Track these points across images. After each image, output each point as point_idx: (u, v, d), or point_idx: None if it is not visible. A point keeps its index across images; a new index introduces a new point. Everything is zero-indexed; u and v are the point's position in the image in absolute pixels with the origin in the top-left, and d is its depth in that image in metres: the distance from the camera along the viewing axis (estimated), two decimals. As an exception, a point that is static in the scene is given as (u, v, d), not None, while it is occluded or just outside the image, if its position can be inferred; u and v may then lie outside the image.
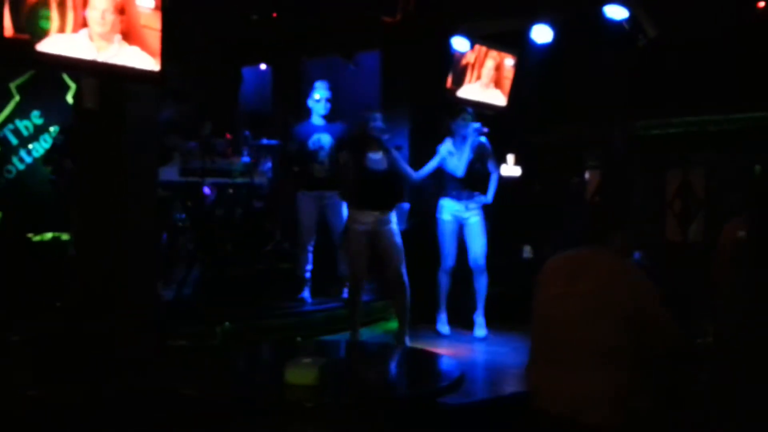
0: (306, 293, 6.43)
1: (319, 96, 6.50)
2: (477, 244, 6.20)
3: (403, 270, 5.58)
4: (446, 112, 6.42)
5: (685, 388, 3.53)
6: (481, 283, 6.20)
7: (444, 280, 6.31)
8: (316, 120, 6.56)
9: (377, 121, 5.58)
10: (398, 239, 5.60)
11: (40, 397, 4.25)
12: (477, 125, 6.19)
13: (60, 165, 6.69)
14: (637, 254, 5.09)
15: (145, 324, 4.98)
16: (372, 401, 3.27)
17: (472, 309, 6.33)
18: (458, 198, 6.21)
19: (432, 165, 6.13)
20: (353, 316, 5.64)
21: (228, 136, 7.28)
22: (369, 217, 5.50)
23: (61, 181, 6.64)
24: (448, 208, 6.21)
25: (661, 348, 2.98)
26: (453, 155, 6.18)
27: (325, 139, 6.49)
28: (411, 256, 6.88)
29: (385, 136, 5.57)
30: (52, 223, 6.99)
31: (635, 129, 8.49)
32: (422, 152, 6.91)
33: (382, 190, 5.57)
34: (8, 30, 4.09)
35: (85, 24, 4.45)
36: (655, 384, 3.03)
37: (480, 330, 6.29)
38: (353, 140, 5.66)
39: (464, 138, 6.19)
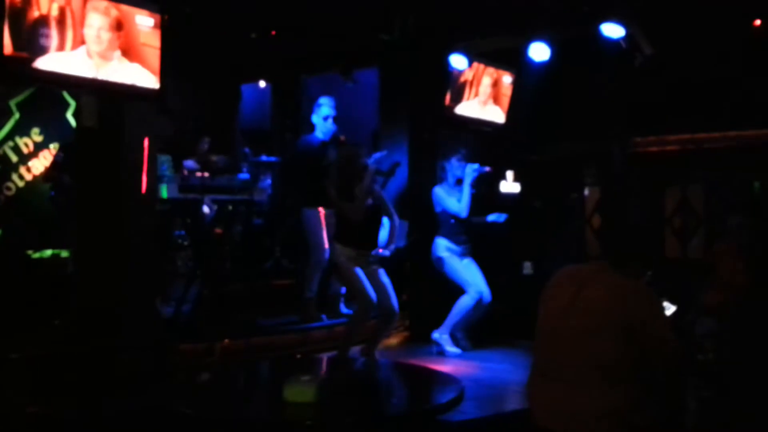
0: (318, 314, 6.35)
1: (326, 113, 6.46)
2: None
3: (394, 302, 5.44)
4: (438, 153, 6.42)
5: (685, 404, 3.52)
6: (464, 302, 6.18)
7: (471, 307, 6.18)
8: (321, 136, 6.49)
9: (363, 156, 5.50)
10: (385, 278, 5.48)
11: (40, 415, 4.24)
12: (476, 166, 6.19)
13: (60, 182, 6.70)
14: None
15: (144, 341, 4.97)
16: (371, 419, 3.26)
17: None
18: (457, 240, 6.24)
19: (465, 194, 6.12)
20: (352, 336, 5.54)
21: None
22: (352, 253, 5.41)
23: (61, 198, 6.64)
24: (444, 248, 6.25)
25: (661, 366, 2.98)
26: (452, 196, 6.21)
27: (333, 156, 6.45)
28: (410, 272, 6.92)
29: (373, 165, 5.46)
30: (51, 241, 7.00)
31: (633, 146, 8.52)
32: (420, 168, 6.94)
33: (365, 228, 5.45)
34: (7, 48, 4.11)
35: (83, 41, 4.48)
36: (655, 401, 3.02)
37: (467, 343, 6.29)
38: (338, 175, 5.47)
39: (458, 178, 6.23)
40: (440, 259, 6.24)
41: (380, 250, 5.57)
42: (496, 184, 7.59)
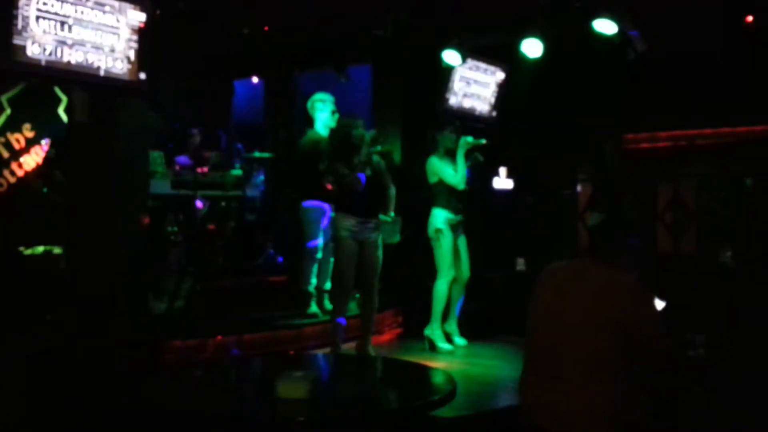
0: (313, 308, 6.36)
1: (333, 108, 6.45)
2: (466, 257, 6.22)
3: (375, 280, 5.56)
4: (432, 124, 6.37)
5: (676, 400, 3.54)
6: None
7: (446, 292, 6.17)
8: (324, 131, 6.48)
9: (359, 128, 5.52)
10: (380, 252, 5.58)
11: (33, 412, 4.24)
12: (470, 138, 6.15)
13: (52, 178, 6.68)
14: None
15: (136, 337, 4.97)
16: (363, 415, 3.26)
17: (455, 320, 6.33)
18: (455, 210, 6.18)
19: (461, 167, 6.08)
20: (334, 328, 5.56)
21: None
22: (353, 223, 5.45)
23: (53, 194, 6.62)
24: (445, 220, 6.15)
25: (651, 362, 2.99)
26: (447, 168, 6.15)
27: None
28: (404, 269, 6.92)
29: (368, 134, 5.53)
30: (43, 237, 6.97)
31: (625, 142, 8.54)
32: (413, 164, 6.93)
33: (366, 197, 5.51)
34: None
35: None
36: (646, 397, 3.03)
37: (460, 338, 6.29)
38: (336, 146, 5.58)
39: (451, 150, 6.17)
40: (438, 231, 6.11)
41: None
42: (489, 180, 7.60)
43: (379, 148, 5.76)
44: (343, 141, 5.50)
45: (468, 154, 6.15)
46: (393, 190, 5.73)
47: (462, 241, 6.23)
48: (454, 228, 6.15)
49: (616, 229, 3.35)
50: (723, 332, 3.34)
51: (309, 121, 6.57)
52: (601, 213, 6.86)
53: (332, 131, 5.97)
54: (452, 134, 6.18)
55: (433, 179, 6.19)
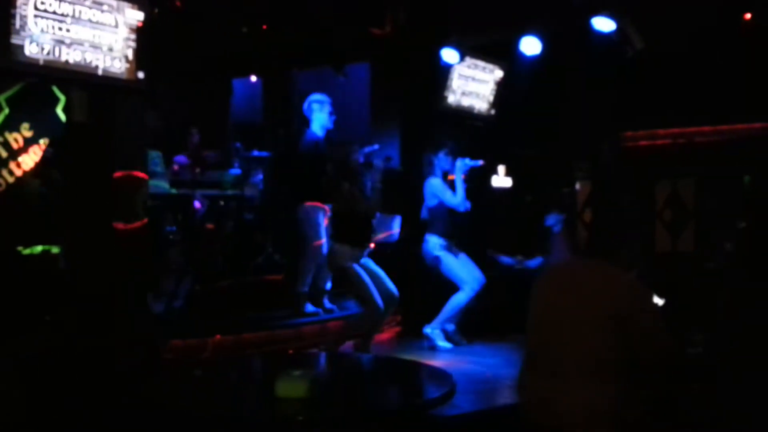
0: (310, 307, 6.36)
1: (330, 110, 6.45)
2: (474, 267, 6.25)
3: (392, 287, 5.53)
4: (427, 147, 6.37)
5: (676, 399, 3.54)
6: (459, 298, 6.17)
7: (465, 303, 6.16)
8: (321, 132, 6.47)
9: (356, 153, 5.54)
10: (376, 266, 5.58)
11: (33, 412, 4.23)
12: (467, 160, 6.16)
13: (50, 178, 6.66)
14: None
15: (135, 337, 4.96)
16: (363, 414, 3.26)
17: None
18: (450, 235, 6.19)
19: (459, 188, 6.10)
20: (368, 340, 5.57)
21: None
22: (356, 252, 5.45)
23: (51, 194, 6.61)
24: (438, 246, 6.17)
25: (651, 359, 2.99)
26: (447, 190, 6.16)
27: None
28: (403, 267, 6.91)
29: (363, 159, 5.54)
30: (42, 236, 6.96)
31: (624, 140, 8.54)
32: (412, 162, 6.93)
33: (364, 224, 5.52)
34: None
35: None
36: (646, 396, 3.03)
37: (459, 337, 6.30)
38: (340, 168, 5.56)
39: (445, 171, 6.19)
40: (436, 258, 6.18)
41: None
42: (487, 178, 7.59)
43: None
44: (342, 169, 5.51)
45: (467, 175, 6.19)
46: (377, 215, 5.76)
47: (464, 259, 6.24)
48: (451, 249, 6.19)
49: (614, 227, 3.35)
50: (723, 332, 3.34)
51: (307, 121, 6.56)
52: (560, 212, 6.84)
53: (333, 160, 5.86)
54: (448, 156, 6.20)
55: (432, 201, 6.23)
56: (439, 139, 6.40)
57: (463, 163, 6.13)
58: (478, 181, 6.48)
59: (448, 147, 6.25)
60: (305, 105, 6.57)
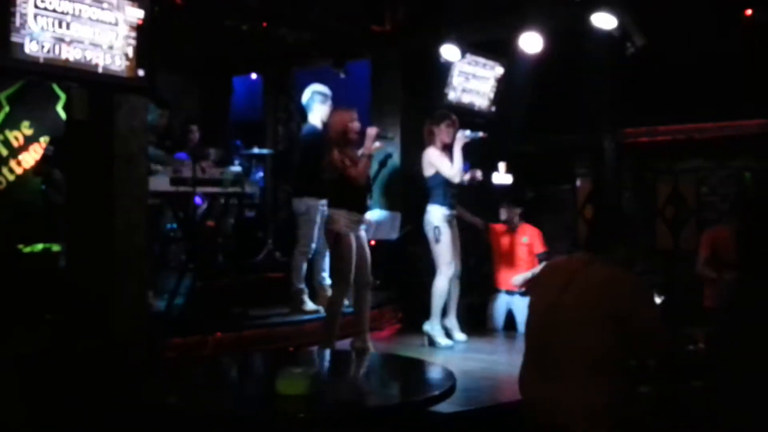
0: (309, 305, 6.35)
1: (330, 105, 6.43)
2: (459, 252, 6.21)
3: (369, 272, 5.55)
4: (428, 117, 6.29)
5: (676, 397, 3.54)
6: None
7: (447, 288, 6.11)
8: (321, 126, 6.43)
9: (354, 121, 5.46)
10: (367, 246, 5.60)
11: (33, 412, 4.23)
12: (468, 132, 6.12)
13: (50, 176, 6.67)
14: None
15: (136, 335, 4.97)
16: (363, 411, 3.27)
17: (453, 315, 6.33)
18: (450, 206, 6.16)
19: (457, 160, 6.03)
20: (334, 325, 5.57)
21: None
22: (353, 219, 5.42)
23: (52, 192, 6.62)
24: (440, 216, 6.09)
25: (650, 357, 2.99)
26: (444, 160, 6.09)
27: None
28: (403, 265, 6.91)
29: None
30: (42, 235, 6.97)
31: (624, 137, 8.54)
32: (412, 159, 6.92)
33: (365, 191, 5.49)
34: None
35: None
36: (645, 393, 3.03)
37: (459, 334, 6.28)
38: (335, 137, 5.46)
39: (448, 144, 6.13)
40: (437, 229, 6.02)
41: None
42: (488, 175, 7.59)
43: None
44: (341, 133, 5.43)
45: (466, 148, 6.11)
46: (389, 215, 5.72)
47: (456, 235, 6.19)
48: (450, 224, 6.12)
49: (614, 224, 3.35)
50: (723, 331, 3.34)
51: (307, 117, 6.55)
52: (514, 206, 6.81)
53: (332, 123, 5.72)
54: (450, 127, 6.13)
55: (429, 171, 6.10)
56: (441, 110, 6.33)
57: (463, 134, 6.07)
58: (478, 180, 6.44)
59: (450, 118, 6.15)
60: (307, 94, 6.51)
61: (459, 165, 6.02)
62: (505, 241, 6.76)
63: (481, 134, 6.17)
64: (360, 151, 5.48)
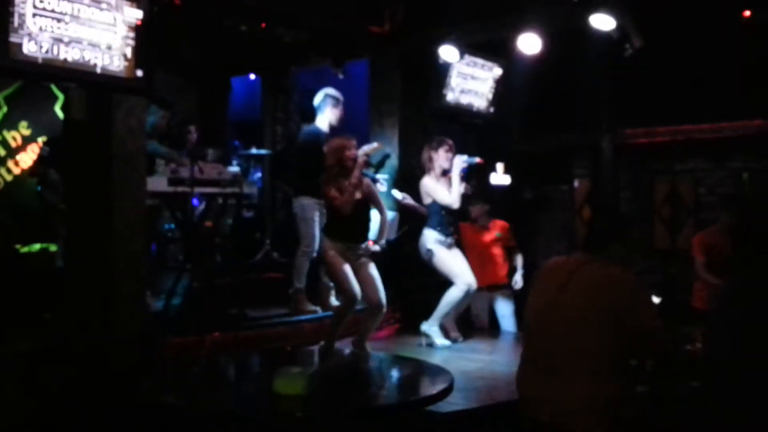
0: (309, 306, 6.34)
1: (342, 110, 6.43)
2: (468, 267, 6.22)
3: (382, 296, 5.42)
4: (425, 144, 6.31)
5: (674, 395, 3.54)
6: (452, 293, 6.14)
7: (460, 299, 6.11)
8: (327, 129, 6.43)
9: (351, 149, 5.42)
10: (373, 271, 5.47)
11: (32, 412, 4.23)
12: (465, 157, 6.14)
13: (46, 177, 6.66)
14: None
15: (134, 335, 4.96)
16: (361, 410, 3.27)
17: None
18: (446, 233, 6.15)
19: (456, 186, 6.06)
20: (336, 328, 5.56)
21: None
22: (341, 248, 5.38)
23: (47, 193, 6.61)
24: (433, 240, 6.12)
25: (648, 356, 2.99)
26: (439, 189, 6.12)
27: None
28: (401, 265, 6.91)
29: (362, 157, 5.41)
30: (40, 235, 6.97)
31: (622, 137, 8.55)
32: (411, 160, 6.93)
33: (354, 221, 5.42)
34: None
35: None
36: (643, 392, 3.04)
37: (456, 334, 6.28)
38: (328, 167, 5.41)
39: (444, 169, 6.15)
40: (429, 251, 6.14)
41: (371, 244, 5.56)
42: (486, 175, 7.59)
43: (372, 172, 5.63)
44: (333, 161, 5.38)
45: (466, 173, 6.15)
46: (390, 215, 5.62)
47: (457, 254, 6.21)
48: (449, 247, 6.16)
49: (612, 224, 3.35)
50: (720, 331, 3.34)
51: (306, 117, 6.55)
52: (483, 203, 6.81)
53: (328, 150, 5.62)
54: (448, 152, 6.16)
55: (426, 200, 6.19)
56: (439, 136, 6.36)
57: (461, 161, 6.11)
58: (476, 178, 6.44)
59: (447, 144, 6.21)
60: (319, 96, 6.51)
61: (457, 192, 6.06)
62: (477, 239, 6.73)
63: (477, 159, 6.21)
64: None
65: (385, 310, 5.53)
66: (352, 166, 5.35)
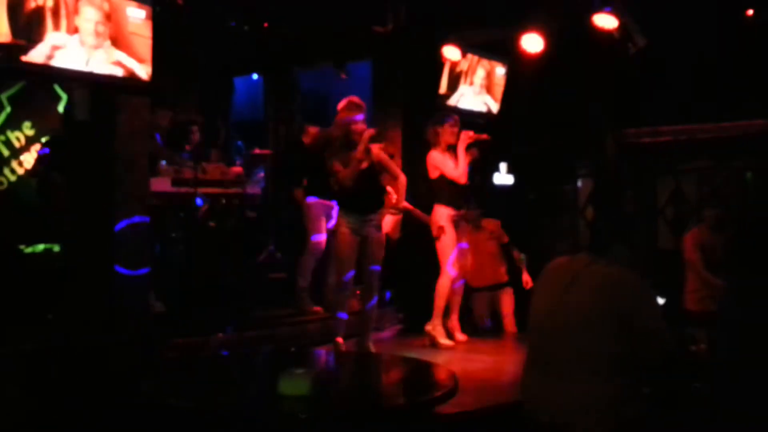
0: (313, 306, 6.33)
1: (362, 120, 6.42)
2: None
3: (376, 270, 5.51)
4: (433, 118, 6.27)
5: (677, 396, 3.53)
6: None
7: (449, 288, 6.10)
8: None
9: (359, 123, 5.43)
10: (376, 247, 5.52)
11: (33, 411, 4.23)
12: (471, 132, 6.11)
13: (45, 178, 6.63)
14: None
15: (137, 335, 4.96)
16: (365, 412, 3.26)
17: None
18: (457, 206, 6.14)
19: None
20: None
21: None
22: (353, 220, 5.41)
23: (47, 194, 6.59)
24: (445, 215, 6.07)
25: (652, 357, 2.98)
26: (448, 162, 6.09)
27: None
28: (405, 264, 6.90)
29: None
30: (43, 235, 6.97)
31: (626, 137, 8.53)
32: (415, 161, 6.92)
33: (362, 193, 5.45)
34: (6, 36, 4.10)
35: (76, 31, 4.47)
36: (646, 393, 3.03)
37: (461, 335, 6.27)
38: (335, 141, 5.46)
39: (453, 146, 6.12)
40: (440, 229, 6.03)
41: (391, 211, 5.57)
42: (489, 175, 7.59)
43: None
44: (339, 134, 5.42)
45: (469, 148, 6.11)
46: (403, 178, 5.63)
47: (454, 240, 6.17)
48: (456, 224, 6.12)
49: (616, 225, 3.35)
50: (722, 331, 3.34)
51: (309, 117, 6.56)
52: (476, 207, 6.80)
53: (336, 121, 5.67)
54: (453, 128, 6.12)
55: (434, 174, 6.12)
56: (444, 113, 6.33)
57: (466, 135, 6.07)
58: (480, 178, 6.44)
59: (452, 119, 6.14)
60: (343, 103, 6.51)
61: (463, 166, 6.04)
62: (472, 240, 6.70)
63: (484, 136, 6.17)
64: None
65: (377, 287, 5.58)
66: (358, 140, 5.34)
